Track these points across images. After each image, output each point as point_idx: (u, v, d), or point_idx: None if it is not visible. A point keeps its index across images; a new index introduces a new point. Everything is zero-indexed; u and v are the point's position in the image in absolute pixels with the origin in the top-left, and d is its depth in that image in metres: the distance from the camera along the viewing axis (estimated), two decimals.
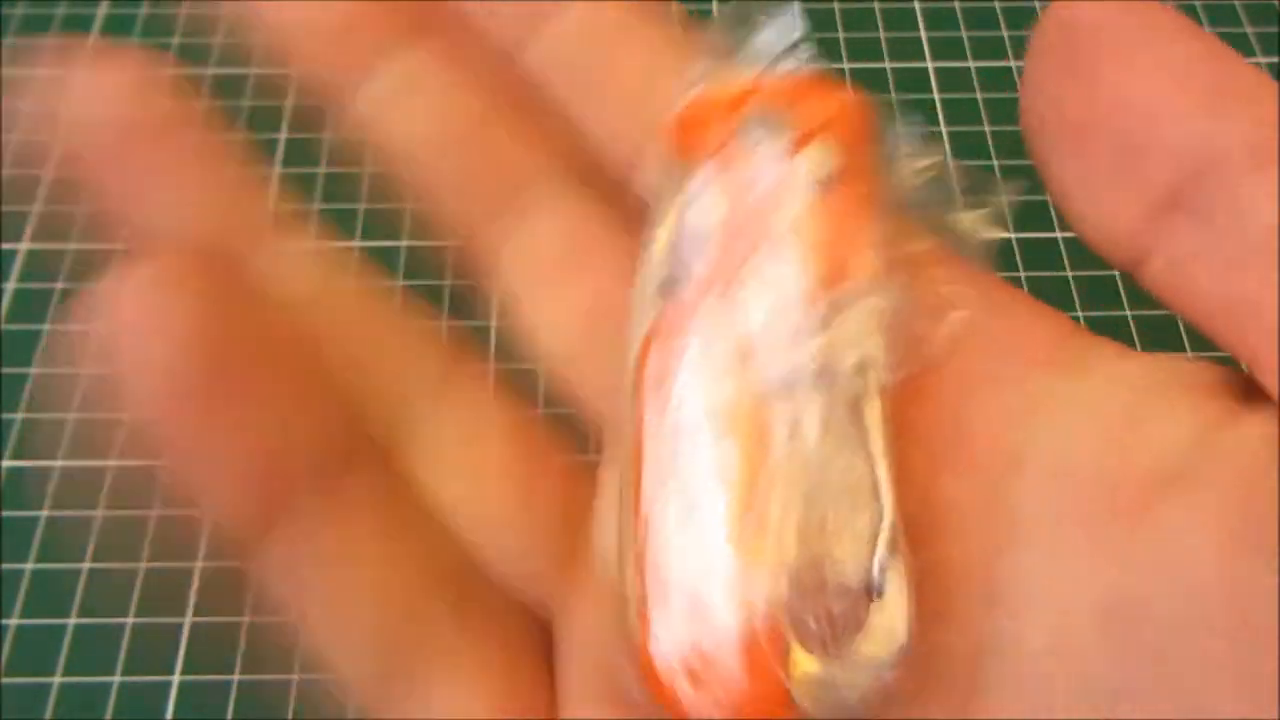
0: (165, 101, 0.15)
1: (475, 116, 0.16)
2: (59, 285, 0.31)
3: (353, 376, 0.15)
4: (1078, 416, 0.13)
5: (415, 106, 0.16)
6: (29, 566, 0.26)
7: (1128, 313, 0.30)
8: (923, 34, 0.36)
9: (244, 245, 0.15)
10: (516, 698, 0.14)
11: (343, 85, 0.16)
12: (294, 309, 0.14)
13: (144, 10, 0.37)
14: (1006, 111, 0.34)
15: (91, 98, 0.15)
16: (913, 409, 0.14)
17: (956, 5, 0.37)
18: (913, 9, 0.37)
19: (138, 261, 0.14)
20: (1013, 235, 0.31)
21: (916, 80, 0.35)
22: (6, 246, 0.32)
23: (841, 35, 0.36)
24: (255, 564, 0.14)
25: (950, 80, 0.35)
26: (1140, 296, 0.30)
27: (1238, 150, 0.12)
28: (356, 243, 0.32)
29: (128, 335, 0.13)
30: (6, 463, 0.28)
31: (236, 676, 0.25)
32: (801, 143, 0.15)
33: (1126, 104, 0.13)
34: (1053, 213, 0.31)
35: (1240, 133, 0.12)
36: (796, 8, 0.16)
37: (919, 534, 0.14)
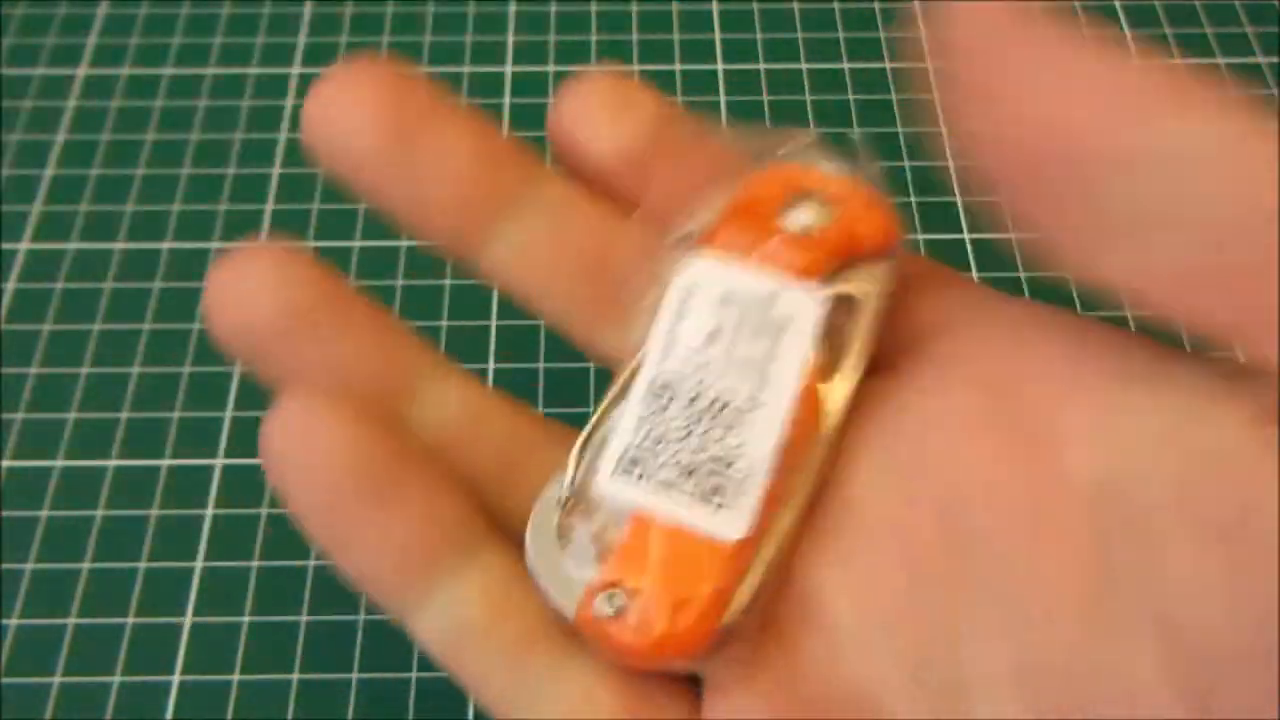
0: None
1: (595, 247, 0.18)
2: (59, 285, 0.31)
3: (490, 480, 0.17)
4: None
5: (535, 263, 0.18)
6: (29, 566, 0.26)
7: (1128, 313, 0.30)
8: (923, 34, 0.36)
9: (402, 396, 0.17)
10: (649, 708, 0.16)
11: (468, 248, 0.18)
12: (441, 442, 0.17)
13: (144, 10, 0.37)
14: None
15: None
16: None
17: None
18: (913, 9, 0.37)
19: (297, 396, 0.16)
20: (1012, 235, 0.31)
21: (920, 80, 0.35)
22: (6, 246, 0.32)
23: (842, 35, 0.36)
24: (418, 631, 0.17)
25: None
26: None
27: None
28: (356, 243, 0.32)
29: (290, 456, 0.16)
30: (6, 463, 0.28)
31: (236, 676, 0.25)
32: (834, 253, 0.17)
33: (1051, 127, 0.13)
34: None
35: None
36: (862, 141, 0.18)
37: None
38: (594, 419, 0.17)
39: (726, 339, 0.17)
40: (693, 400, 0.17)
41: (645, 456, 0.16)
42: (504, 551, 0.17)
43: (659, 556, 0.16)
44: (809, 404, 0.16)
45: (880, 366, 0.17)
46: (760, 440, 0.16)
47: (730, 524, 0.16)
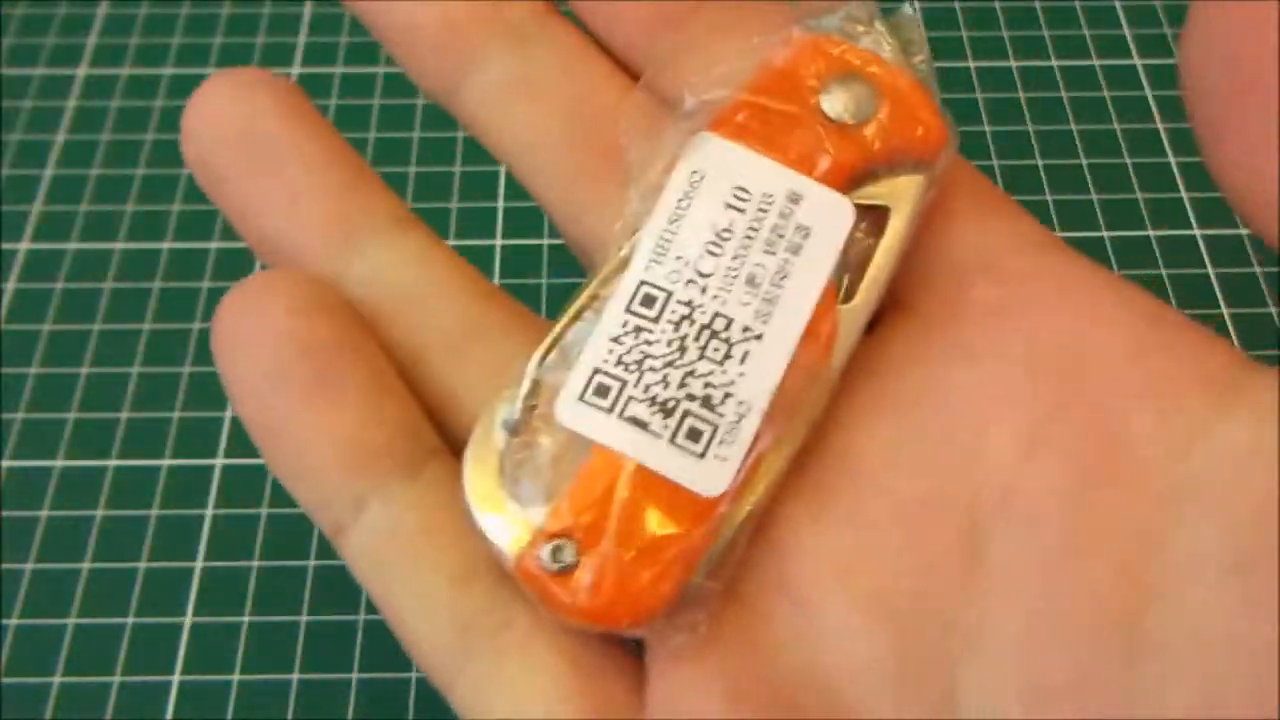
0: (290, 111, 0.16)
1: (582, 108, 0.16)
2: (59, 285, 0.31)
3: (433, 367, 0.16)
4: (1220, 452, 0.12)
5: (525, 105, 0.16)
6: (29, 566, 0.26)
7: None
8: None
9: (358, 241, 0.16)
10: (594, 685, 0.14)
11: (456, 78, 0.16)
12: (386, 308, 0.16)
13: (144, 10, 0.37)
14: (1006, 111, 0.34)
15: (220, 109, 0.16)
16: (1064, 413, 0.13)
17: (956, 5, 0.37)
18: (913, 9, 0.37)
19: (240, 284, 0.15)
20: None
21: None
22: (6, 246, 0.32)
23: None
24: (346, 543, 0.15)
25: (950, 80, 0.35)
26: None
27: None
28: None
29: (231, 345, 0.15)
30: (6, 463, 0.28)
31: (237, 676, 0.25)
32: (874, 152, 0.14)
33: None
34: (1052, 212, 0.31)
35: None
36: (917, 8, 0.16)
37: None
38: (561, 323, 0.14)
39: (734, 247, 0.14)
40: (682, 320, 0.14)
41: (616, 385, 0.14)
42: (452, 469, 0.15)
43: (621, 506, 0.13)
44: (821, 337, 0.14)
45: (901, 301, 0.15)
46: (757, 379, 0.13)
47: (710, 477, 0.13)
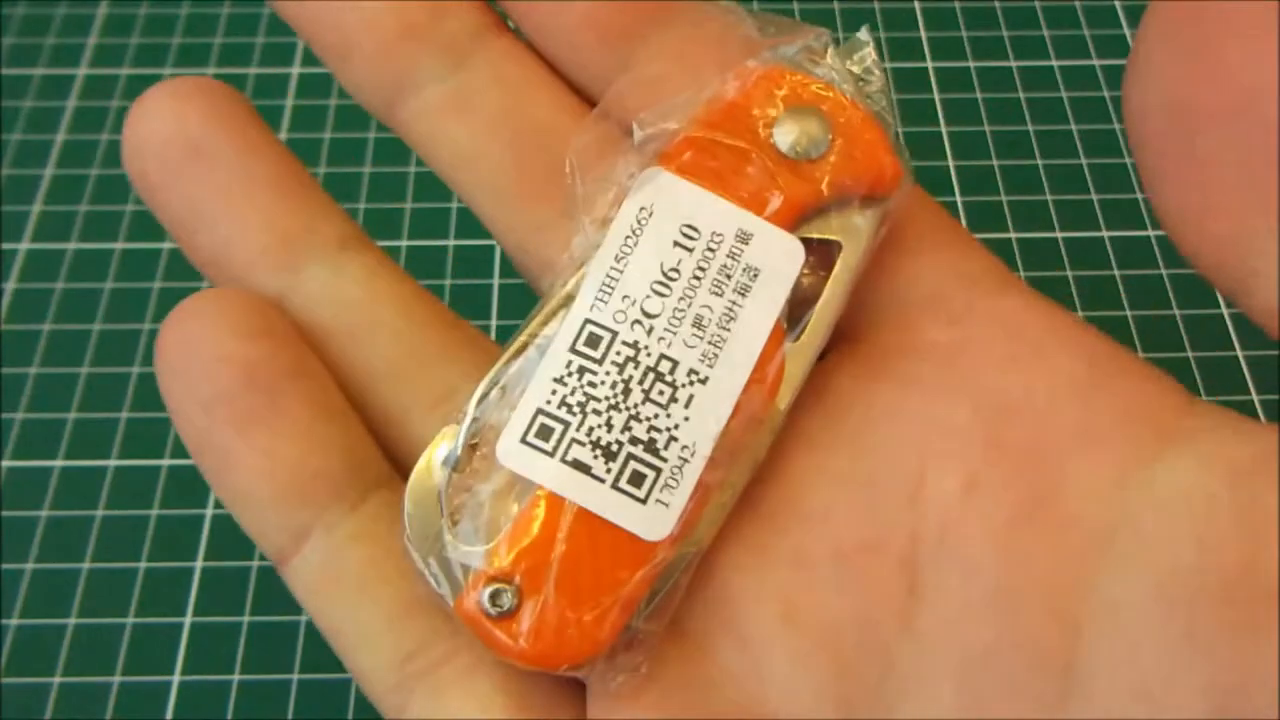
0: (233, 123, 0.16)
1: (523, 127, 0.16)
2: (59, 285, 0.31)
3: (376, 394, 0.15)
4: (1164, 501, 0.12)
5: (462, 122, 0.16)
6: (29, 566, 0.26)
7: (1128, 313, 0.30)
8: (923, 34, 0.36)
9: (301, 261, 0.16)
10: (535, 699, 0.14)
11: (391, 93, 0.16)
12: (330, 332, 0.15)
13: (144, 10, 0.37)
14: (1006, 111, 0.34)
15: (160, 120, 0.15)
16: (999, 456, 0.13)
17: (956, 5, 0.37)
18: (913, 9, 0.37)
19: (182, 304, 0.15)
20: (1013, 235, 0.31)
21: (916, 80, 0.35)
22: (6, 246, 0.32)
23: (842, 35, 0.36)
24: (289, 572, 0.15)
25: (950, 80, 0.35)
26: (1141, 298, 0.30)
27: None
28: None
29: (171, 368, 0.15)
30: (6, 463, 0.28)
31: (236, 676, 0.25)
32: (828, 186, 0.14)
33: (1255, 92, 0.11)
34: (1053, 212, 0.31)
35: None
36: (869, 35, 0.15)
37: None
38: (502, 360, 0.14)
39: (681, 287, 0.14)
40: (627, 361, 0.13)
41: (559, 426, 0.13)
42: (398, 500, 0.14)
43: (561, 550, 0.13)
44: (766, 380, 0.14)
45: (850, 334, 0.15)
46: (702, 423, 0.13)
47: (652, 522, 0.13)
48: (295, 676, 0.25)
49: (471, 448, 0.14)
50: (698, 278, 0.14)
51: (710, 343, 0.14)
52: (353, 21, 0.16)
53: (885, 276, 0.15)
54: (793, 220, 0.14)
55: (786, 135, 0.14)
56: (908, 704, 0.13)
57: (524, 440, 0.13)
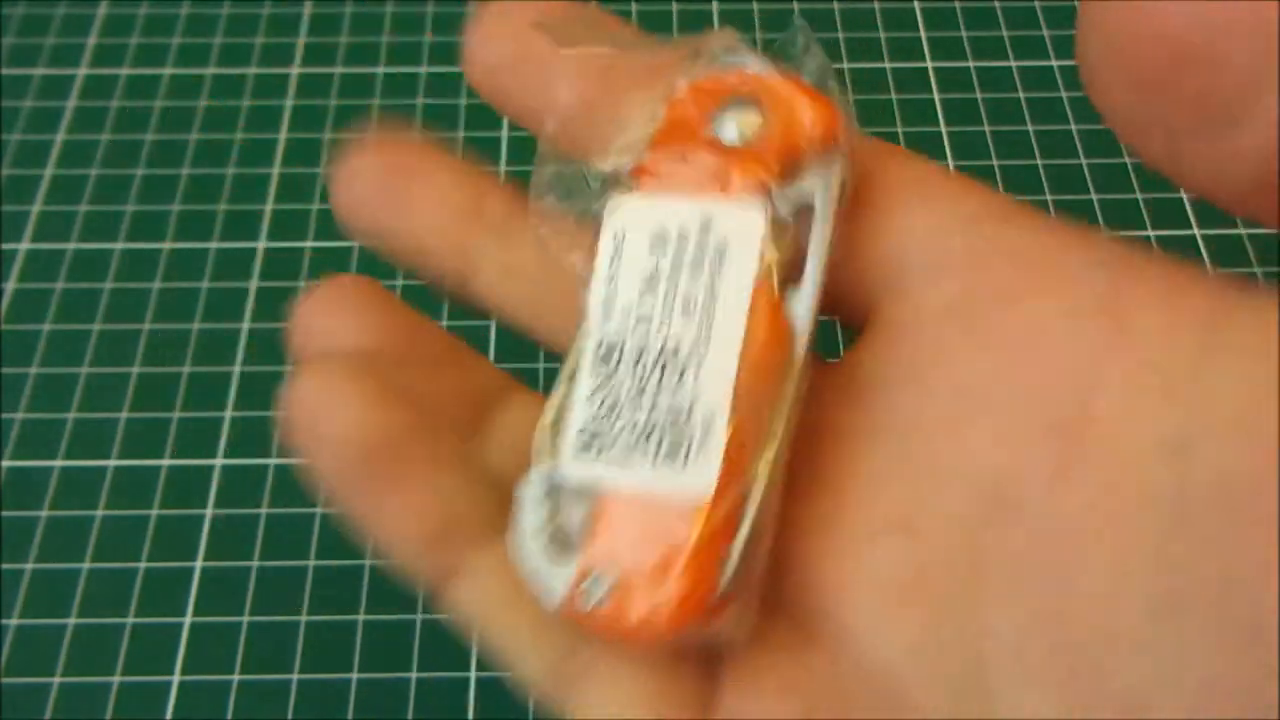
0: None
1: None
2: (59, 285, 0.31)
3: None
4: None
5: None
6: (29, 566, 0.26)
7: None
8: (923, 34, 0.36)
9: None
10: (674, 691, 0.15)
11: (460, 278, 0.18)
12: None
13: (144, 10, 0.37)
14: (1006, 111, 0.34)
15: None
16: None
17: (957, 5, 0.37)
18: (913, 9, 0.37)
19: (310, 365, 0.16)
20: None
21: (916, 80, 0.35)
22: (6, 246, 0.32)
23: (841, 35, 0.36)
24: (446, 604, 0.17)
25: (950, 80, 0.35)
26: None
27: None
28: (357, 243, 0.32)
29: (309, 435, 0.16)
30: (6, 463, 0.28)
31: (236, 676, 0.25)
32: (777, 157, 0.15)
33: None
34: (1052, 212, 0.31)
35: None
36: (803, 26, 0.17)
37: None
38: (556, 402, 0.16)
39: (665, 284, 0.15)
40: (640, 356, 0.15)
41: (602, 428, 0.15)
42: None
43: (631, 531, 0.15)
44: (772, 327, 0.15)
45: (870, 311, 0.16)
46: (714, 386, 0.15)
47: (697, 477, 0.15)
48: (295, 676, 0.25)
49: (549, 474, 0.16)
50: (677, 270, 0.15)
51: (701, 319, 0.15)
52: (412, 230, 0.18)
53: (882, 240, 0.15)
54: (759, 191, 0.15)
55: (726, 128, 0.16)
56: (998, 638, 0.13)
57: (578, 451, 0.15)
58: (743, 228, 0.15)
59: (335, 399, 0.16)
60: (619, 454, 0.15)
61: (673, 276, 0.15)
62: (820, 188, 0.15)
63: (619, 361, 0.15)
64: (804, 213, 0.15)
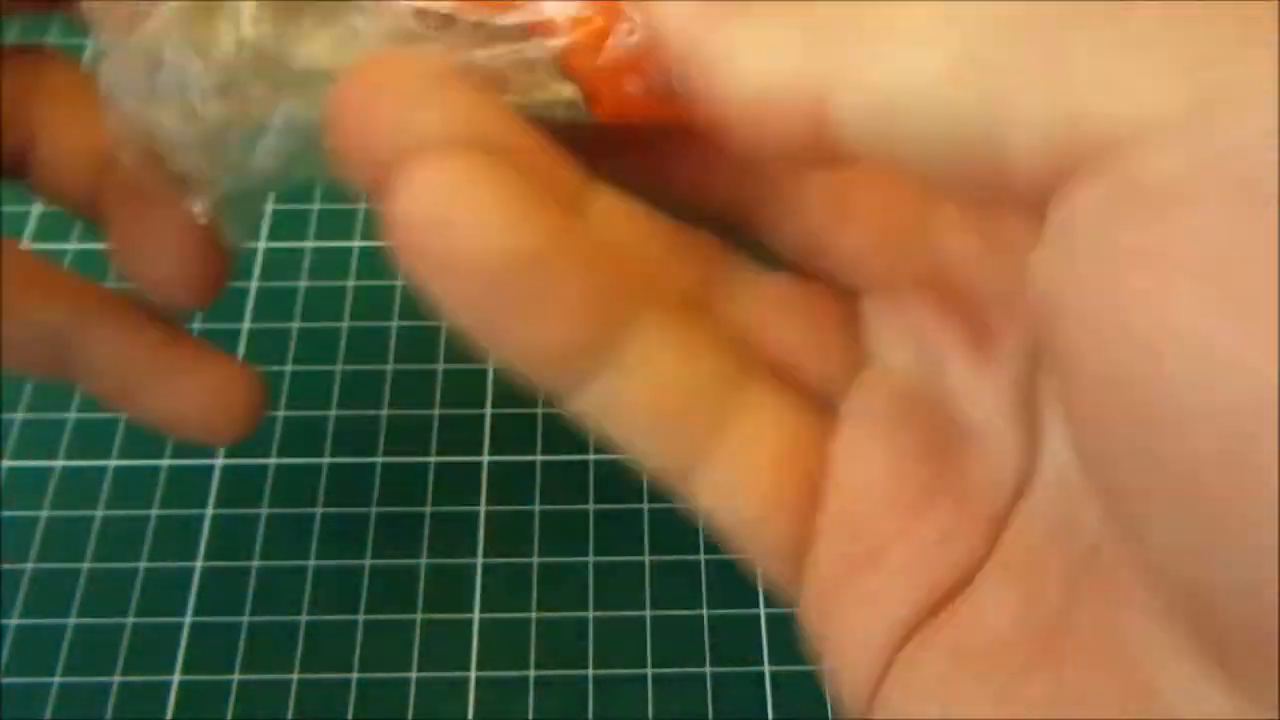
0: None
1: None
2: None
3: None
4: None
5: None
6: (29, 566, 0.26)
7: None
8: None
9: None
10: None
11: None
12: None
13: None
14: None
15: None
16: None
17: None
18: None
19: (425, 164, 0.13)
20: None
21: None
22: None
23: None
24: (574, 407, 0.15)
25: None
26: None
27: None
28: (356, 243, 0.32)
29: (431, 236, 0.13)
30: (6, 463, 0.28)
31: (236, 676, 0.25)
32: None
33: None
34: None
35: None
36: None
37: None
38: None
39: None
40: None
41: None
42: (660, 320, 0.15)
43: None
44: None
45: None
46: None
47: None
48: (295, 676, 0.25)
49: None
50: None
51: None
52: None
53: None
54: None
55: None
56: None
57: None
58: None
59: (480, 199, 0.13)
60: None
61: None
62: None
63: None
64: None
